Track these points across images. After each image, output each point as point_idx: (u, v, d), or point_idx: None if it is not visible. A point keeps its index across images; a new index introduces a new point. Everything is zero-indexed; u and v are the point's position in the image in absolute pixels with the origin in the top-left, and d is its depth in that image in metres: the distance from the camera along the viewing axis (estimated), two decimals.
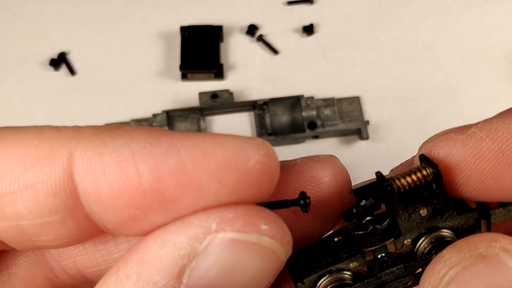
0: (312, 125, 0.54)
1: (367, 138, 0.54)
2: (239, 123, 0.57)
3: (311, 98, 0.55)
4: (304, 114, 0.55)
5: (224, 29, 0.60)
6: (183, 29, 0.59)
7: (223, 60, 0.59)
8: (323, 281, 0.22)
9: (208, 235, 0.19)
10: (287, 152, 0.55)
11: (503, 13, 0.61)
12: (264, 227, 0.19)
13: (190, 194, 0.19)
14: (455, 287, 0.20)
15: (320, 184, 0.23)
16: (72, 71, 0.59)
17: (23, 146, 0.20)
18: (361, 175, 0.55)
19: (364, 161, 0.54)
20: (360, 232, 0.21)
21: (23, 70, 0.59)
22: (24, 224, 0.20)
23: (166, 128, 0.54)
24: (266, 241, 0.19)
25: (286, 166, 0.23)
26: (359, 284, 0.22)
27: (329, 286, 0.22)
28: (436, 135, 0.23)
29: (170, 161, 0.19)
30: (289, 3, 0.63)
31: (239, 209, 0.19)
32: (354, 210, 0.22)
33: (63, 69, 0.59)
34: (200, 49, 0.58)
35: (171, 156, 0.19)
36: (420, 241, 0.22)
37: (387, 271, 0.22)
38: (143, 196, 0.19)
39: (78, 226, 0.21)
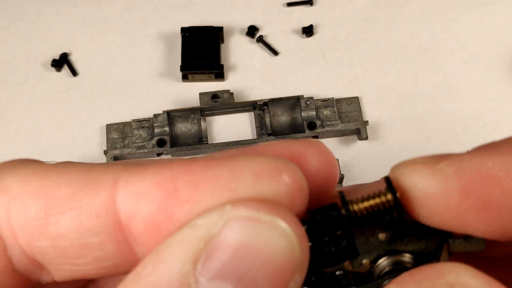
0: (312, 125, 0.55)
1: (366, 138, 0.54)
2: (240, 123, 0.57)
3: (311, 98, 0.55)
4: (303, 114, 0.55)
5: (225, 30, 0.60)
6: (184, 30, 0.60)
7: (223, 61, 0.60)
8: None
9: (223, 217, 0.19)
10: None
11: (501, 15, 0.62)
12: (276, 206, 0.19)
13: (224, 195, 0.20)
14: None
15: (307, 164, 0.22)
16: (74, 72, 0.59)
17: (76, 175, 0.21)
18: (360, 175, 0.56)
19: (363, 161, 0.55)
20: (317, 250, 0.22)
21: (26, 71, 0.60)
22: (64, 245, 0.21)
23: (167, 128, 0.54)
24: (280, 223, 0.19)
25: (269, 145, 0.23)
26: None
27: None
28: (406, 161, 0.22)
29: (209, 173, 0.20)
30: (289, 4, 0.63)
31: (252, 196, 0.20)
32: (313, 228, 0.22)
33: (65, 70, 0.60)
34: (201, 50, 0.58)
35: (209, 170, 0.20)
36: (380, 261, 0.22)
37: (343, 284, 0.22)
38: (181, 209, 0.19)
39: (117, 251, 0.21)
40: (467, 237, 0.22)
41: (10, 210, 0.21)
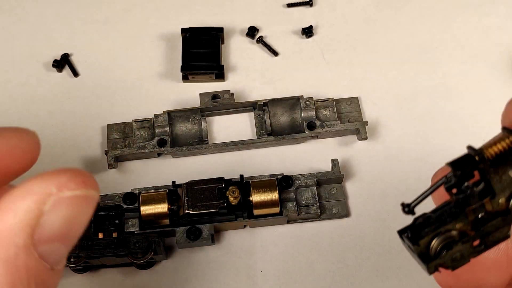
0: (311, 126, 0.55)
1: (366, 138, 0.55)
2: (240, 124, 0.57)
3: (310, 98, 0.56)
4: (303, 114, 0.55)
5: (225, 31, 0.61)
6: (184, 31, 0.60)
7: (223, 62, 0.60)
8: (435, 242, 0.27)
9: (50, 197, 0.26)
10: (287, 152, 0.56)
11: (500, 15, 0.62)
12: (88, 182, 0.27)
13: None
14: None
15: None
16: (75, 73, 0.60)
17: None
18: (360, 175, 0.57)
19: (363, 161, 0.55)
20: (460, 196, 0.26)
21: (27, 71, 0.60)
22: None
23: (167, 128, 0.55)
24: (91, 192, 0.27)
25: None
26: (467, 237, 0.27)
27: (440, 244, 0.27)
28: None
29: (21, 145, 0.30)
30: (289, 5, 0.63)
31: (67, 174, 0.27)
32: (453, 181, 0.27)
33: (66, 70, 0.60)
34: (201, 51, 0.59)
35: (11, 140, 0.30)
36: None
37: (488, 224, 0.27)
38: None
39: None
40: None
41: None
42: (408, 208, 0.27)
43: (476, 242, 0.27)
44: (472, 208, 0.26)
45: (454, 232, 0.27)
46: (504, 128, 0.27)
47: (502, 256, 0.28)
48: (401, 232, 0.27)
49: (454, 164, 0.26)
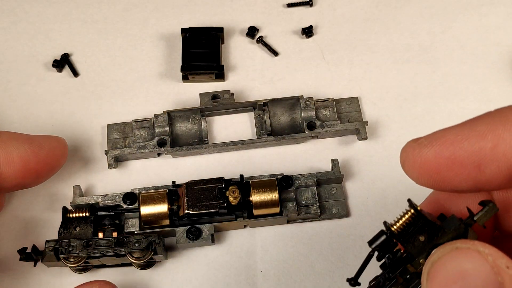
0: (311, 126, 0.55)
1: (365, 138, 0.55)
2: (240, 124, 0.57)
3: (310, 98, 0.56)
4: (303, 114, 0.55)
5: (225, 31, 0.61)
6: (184, 31, 0.60)
7: (223, 62, 0.60)
8: None
9: None
10: (287, 152, 0.56)
11: (500, 15, 0.62)
12: None
13: None
14: (436, 266, 0.29)
15: None
16: (75, 73, 0.60)
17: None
18: (360, 174, 0.57)
19: (363, 161, 0.55)
20: (386, 270, 0.32)
21: (27, 72, 0.60)
22: None
23: (167, 128, 0.55)
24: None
25: None
26: None
27: None
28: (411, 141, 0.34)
29: (42, 151, 0.47)
30: (289, 5, 0.63)
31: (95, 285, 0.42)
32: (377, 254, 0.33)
33: (66, 70, 0.60)
34: (201, 51, 0.59)
35: (42, 149, 0.47)
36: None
37: (412, 285, 0.32)
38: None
39: None
40: (483, 207, 0.31)
41: None
42: (353, 281, 0.33)
43: None
44: (398, 272, 0.32)
45: None
46: (408, 201, 0.32)
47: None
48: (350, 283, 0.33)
49: (371, 243, 0.33)
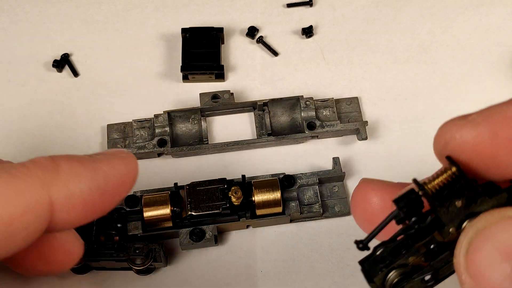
0: (311, 126, 0.55)
1: (366, 138, 0.55)
2: (240, 124, 0.57)
3: (310, 98, 0.56)
4: (303, 114, 0.55)
5: (225, 31, 0.61)
6: (184, 31, 0.60)
7: (223, 62, 0.60)
8: (389, 277, 0.27)
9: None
10: (287, 152, 0.56)
11: (501, 15, 0.62)
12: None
13: None
14: (481, 237, 0.24)
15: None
16: (75, 73, 0.60)
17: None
18: (360, 174, 0.57)
19: (363, 161, 0.55)
20: (410, 232, 0.27)
21: (27, 72, 0.60)
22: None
23: (167, 128, 0.55)
24: None
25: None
26: (419, 273, 0.27)
27: (395, 280, 0.27)
28: (448, 121, 0.27)
29: (109, 185, 0.33)
30: (289, 5, 0.64)
31: None
32: (401, 215, 0.27)
33: (66, 70, 0.60)
34: (201, 51, 0.59)
35: (109, 182, 0.33)
36: (463, 226, 0.26)
37: (438, 259, 0.27)
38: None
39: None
40: None
41: None
42: (362, 244, 0.28)
43: (428, 277, 0.27)
44: (422, 242, 0.27)
45: (407, 267, 0.27)
46: (448, 158, 0.27)
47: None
48: (362, 262, 0.28)
49: (399, 201, 0.27)
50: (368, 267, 0.28)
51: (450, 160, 0.27)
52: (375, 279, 0.28)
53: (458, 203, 0.26)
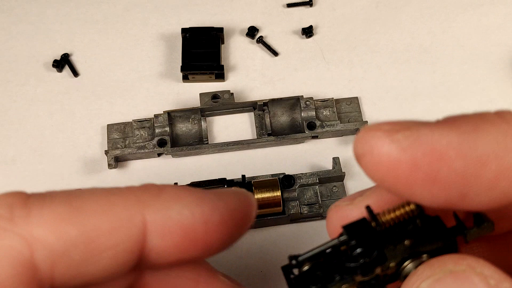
0: (311, 126, 0.55)
1: None
2: (240, 124, 0.57)
3: (310, 98, 0.56)
4: (303, 114, 0.55)
5: (225, 31, 0.61)
6: (184, 31, 0.60)
7: (223, 62, 0.60)
8: None
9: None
10: (287, 152, 0.56)
11: (501, 15, 0.62)
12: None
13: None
14: None
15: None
16: (75, 73, 0.60)
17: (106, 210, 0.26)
18: (360, 174, 0.57)
19: None
20: (352, 265, 0.24)
21: (27, 72, 0.60)
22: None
23: (167, 128, 0.55)
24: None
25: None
26: None
27: None
28: (372, 125, 0.24)
29: (216, 214, 0.28)
30: (289, 5, 0.64)
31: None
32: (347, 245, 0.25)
33: (66, 70, 0.60)
34: (201, 51, 0.59)
35: (216, 211, 0.28)
36: (405, 264, 0.25)
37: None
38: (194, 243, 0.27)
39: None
40: (478, 224, 0.25)
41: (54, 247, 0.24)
42: (296, 261, 0.25)
43: None
44: (365, 278, 0.25)
45: None
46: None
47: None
48: (286, 270, 0.26)
49: (349, 229, 0.25)
50: (296, 282, 0.26)
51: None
52: None
53: (407, 242, 0.25)
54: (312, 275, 0.25)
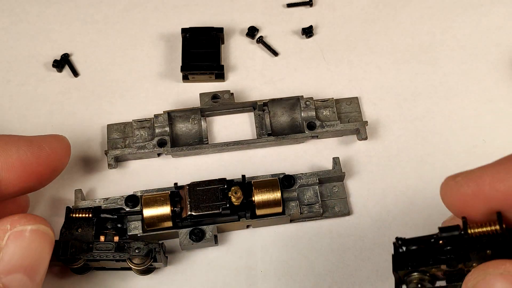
0: (311, 126, 0.55)
1: (366, 138, 0.55)
2: (240, 124, 0.57)
3: (310, 98, 0.56)
4: (303, 114, 0.55)
5: (225, 31, 0.61)
6: (184, 31, 0.60)
7: (223, 62, 0.60)
8: (410, 277, 0.34)
9: (6, 233, 0.33)
10: (287, 152, 0.56)
11: (500, 16, 0.62)
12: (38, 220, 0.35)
13: None
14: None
15: None
16: (75, 73, 0.60)
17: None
18: (360, 174, 0.57)
19: (363, 161, 0.55)
20: (441, 257, 0.33)
21: (27, 72, 0.60)
22: None
23: (167, 128, 0.55)
24: (41, 227, 0.35)
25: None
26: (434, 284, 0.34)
27: (414, 281, 0.34)
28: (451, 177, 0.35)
29: (43, 151, 0.43)
30: (289, 5, 0.64)
31: (18, 215, 0.35)
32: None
33: (66, 70, 0.60)
34: (201, 51, 0.59)
35: (43, 149, 0.43)
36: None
37: (455, 281, 0.34)
38: None
39: None
40: None
41: None
42: (401, 242, 0.34)
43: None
44: (452, 270, 0.33)
45: (427, 275, 0.34)
46: (498, 215, 0.33)
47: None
48: (397, 242, 0.34)
49: (443, 230, 0.34)
50: (397, 256, 0.34)
51: (499, 217, 0.33)
52: (400, 272, 0.34)
53: (489, 252, 0.32)
54: (414, 255, 0.34)
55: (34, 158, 0.42)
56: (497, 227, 0.32)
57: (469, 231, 0.33)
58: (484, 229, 0.33)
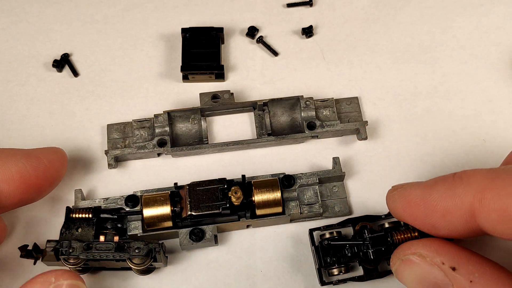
0: (311, 126, 0.55)
1: (366, 138, 0.55)
2: (240, 123, 0.57)
3: (310, 98, 0.56)
4: (303, 114, 0.55)
5: (225, 31, 0.61)
6: (184, 30, 0.60)
7: (223, 62, 0.60)
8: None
9: (51, 284, 0.39)
10: (287, 152, 0.56)
11: (500, 15, 0.62)
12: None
13: None
14: (396, 275, 0.43)
15: None
16: (75, 72, 0.60)
17: None
18: (360, 174, 0.57)
19: (363, 161, 0.55)
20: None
21: (27, 72, 0.60)
22: None
23: (167, 128, 0.55)
24: (79, 283, 0.41)
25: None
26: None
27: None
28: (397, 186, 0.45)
29: (41, 164, 0.47)
30: (289, 5, 0.64)
31: (61, 271, 0.40)
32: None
33: (66, 70, 0.60)
34: (201, 51, 0.59)
35: (41, 161, 0.47)
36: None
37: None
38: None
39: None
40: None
41: None
42: (326, 242, 0.49)
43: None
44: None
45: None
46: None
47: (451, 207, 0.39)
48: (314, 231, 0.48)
49: (360, 232, 0.48)
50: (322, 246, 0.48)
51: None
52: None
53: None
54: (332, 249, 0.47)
55: (32, 170, 0.45)
56: (416, 233, 0.45)
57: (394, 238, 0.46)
58: (406, 235, 0.45)
